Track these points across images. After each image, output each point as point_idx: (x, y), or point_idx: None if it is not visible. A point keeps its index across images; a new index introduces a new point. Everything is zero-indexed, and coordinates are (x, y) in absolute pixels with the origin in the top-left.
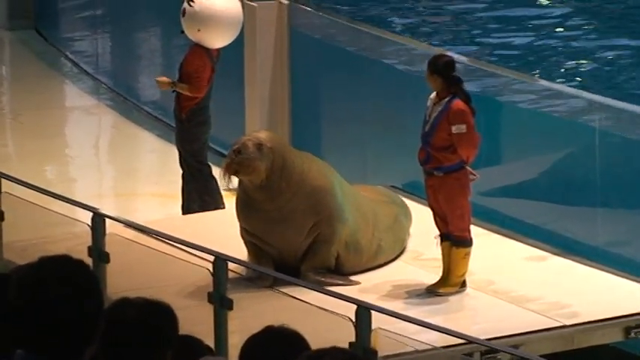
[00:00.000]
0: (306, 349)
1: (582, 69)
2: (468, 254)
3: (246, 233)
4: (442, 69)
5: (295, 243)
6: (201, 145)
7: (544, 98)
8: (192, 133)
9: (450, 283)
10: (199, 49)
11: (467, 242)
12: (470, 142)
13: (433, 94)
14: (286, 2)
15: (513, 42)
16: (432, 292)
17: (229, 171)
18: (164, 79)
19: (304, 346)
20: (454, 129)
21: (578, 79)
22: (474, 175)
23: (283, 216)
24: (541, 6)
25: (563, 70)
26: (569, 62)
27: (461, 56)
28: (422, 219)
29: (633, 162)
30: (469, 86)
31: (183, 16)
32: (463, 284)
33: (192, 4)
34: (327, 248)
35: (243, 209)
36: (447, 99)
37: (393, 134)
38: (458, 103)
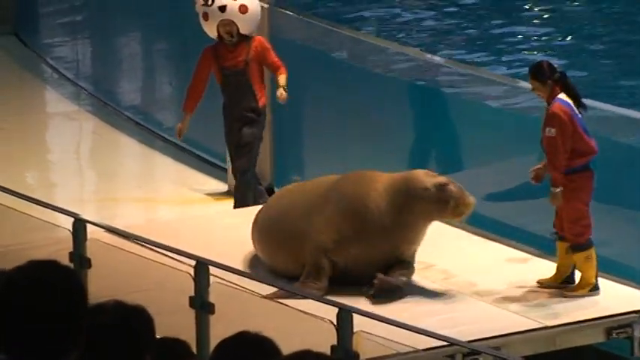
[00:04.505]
0: (277, 354)
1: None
2: (588, 257)
3: (351, 238)
4: (549, 73)
5: (388, 258)
6: None
7: (526, 100)
8: (264, 124)
9: (581, 286)
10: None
11: (582, 246)
12: (555, 149)
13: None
14: (266, 6)
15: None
16: (566, 296)
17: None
18: (282, 90)
19: (275, 352)
20: (546, 132)
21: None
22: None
23: (398, 233)
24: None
25: None
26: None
27: (446, 59)
28: None
29: (615, 163)
30: (454, 89)
31: (245, 13)
32: (595, 287)
33: None
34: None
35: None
36: (551, 103)
37: (374, 138)
38: (555, 106)
